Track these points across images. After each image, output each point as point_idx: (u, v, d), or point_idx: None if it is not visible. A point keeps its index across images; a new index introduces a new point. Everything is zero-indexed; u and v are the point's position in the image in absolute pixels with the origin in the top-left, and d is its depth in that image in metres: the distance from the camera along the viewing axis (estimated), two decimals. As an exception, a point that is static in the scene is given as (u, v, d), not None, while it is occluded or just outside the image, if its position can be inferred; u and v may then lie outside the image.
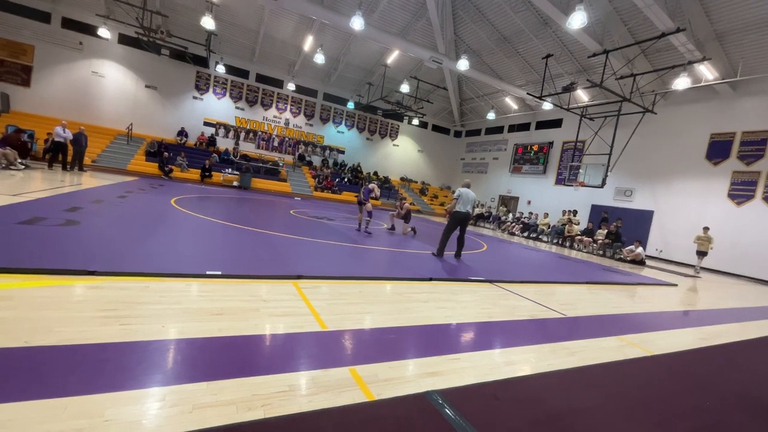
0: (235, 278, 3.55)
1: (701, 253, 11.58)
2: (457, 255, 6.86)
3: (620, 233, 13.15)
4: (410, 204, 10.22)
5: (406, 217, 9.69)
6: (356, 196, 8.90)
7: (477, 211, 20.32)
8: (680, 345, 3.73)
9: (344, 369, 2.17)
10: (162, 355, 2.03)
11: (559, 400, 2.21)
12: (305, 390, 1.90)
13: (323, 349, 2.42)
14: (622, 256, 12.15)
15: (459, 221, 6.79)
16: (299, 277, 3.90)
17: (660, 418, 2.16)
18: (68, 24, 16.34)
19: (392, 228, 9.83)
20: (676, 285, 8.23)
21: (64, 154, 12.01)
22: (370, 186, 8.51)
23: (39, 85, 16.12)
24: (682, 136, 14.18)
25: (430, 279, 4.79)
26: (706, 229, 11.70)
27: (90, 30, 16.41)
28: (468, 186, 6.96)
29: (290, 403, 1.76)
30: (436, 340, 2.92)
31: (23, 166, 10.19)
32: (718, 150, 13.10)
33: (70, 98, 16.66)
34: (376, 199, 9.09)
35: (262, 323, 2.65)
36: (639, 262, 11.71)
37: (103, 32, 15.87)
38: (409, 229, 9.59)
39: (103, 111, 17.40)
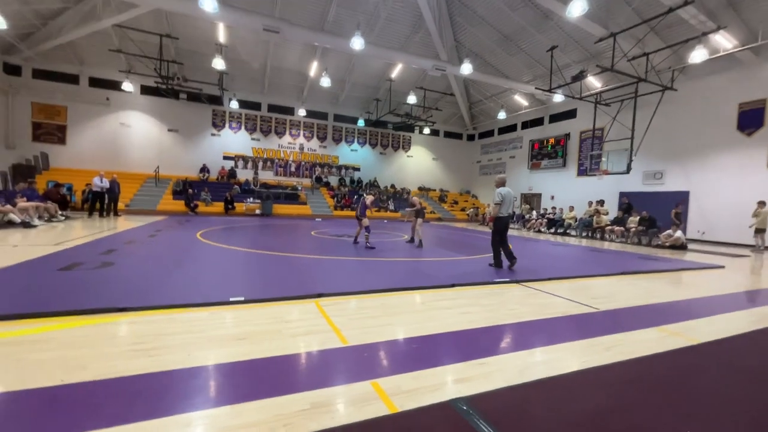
0: (257, 302, 3.62)
1: (760, 231, 10.68)
2: (511, 263, 6.10)
3: (681, 216, 12.24)
4: (417, 200, 9.22)
5: (419, 213, 8.79)
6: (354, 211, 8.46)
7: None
8: (729, 330, 3.45)
9: (366, 383, 2.14)
10: (188, 383, 2.08)
11: (595, 398, 2.08)
12: (327, 407, 1.89)
13: (345, 365, 2.41)
14: (660, 243, 11.49)
15: (505, 226, 6.20)
16: (320, 296, 3.93)
17: (707, 410, 1.99)
18: (95, 83, 17.73)
19: (412, 240, 9.13)
20: (723, 267, 7.68)
21: (102, 202, 12.97)
22: (367, 202, 8.19)
23: (73, 141, 17.44)
24: (708, 109, 13.47)
25: (453, 285, 4.70)
26: (762, 203, 10.70)
27: (115, 85, 17.71)
28: (505, 183, 6.25)
29: (312, 421, 1.75)
30: (461, 346, 2.84)
31: (63, 217, 10.94)
32: (749, 119, 12.33)
33: (102, 150, 17.90)
34: (378, 209, 8.75)
35: (284, 344, 2.67)
36: (680, 246, 11.02)
37: (127, 86, 17.11)
38: (420, 232, 8.70)
39: (132, 158, 18.55)
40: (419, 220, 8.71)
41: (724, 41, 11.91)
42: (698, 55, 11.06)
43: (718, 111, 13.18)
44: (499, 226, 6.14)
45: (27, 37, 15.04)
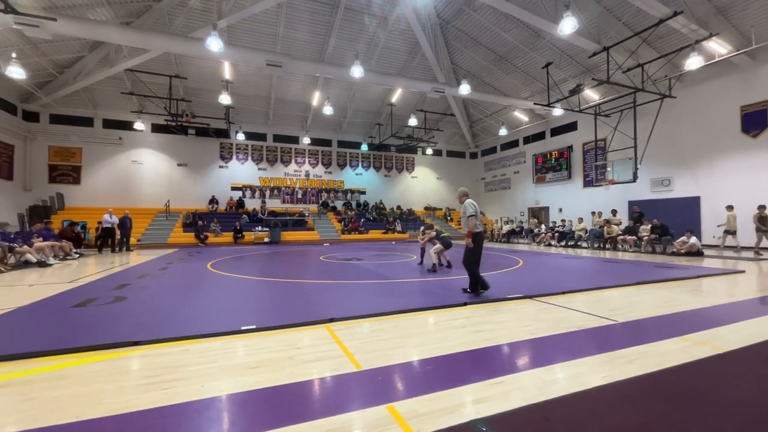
0: (269, 330, 3.60)
1: (731, 233, 11.48)
2: (484, 285, 5.27)
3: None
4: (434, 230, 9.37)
5: (442, 241, 8.25)
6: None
7: (507, 227, 19.76)
8: (758, 336, 3.32)
9: (381, 407, 2.09)
10: (201, 415, 2.05)
11: (620, 414, 2.00)
12: (343, 434, 1.84)
13: (359, 390, 2.36)
14: (674, 250, 11.24)
15: (481, 243, 5.35)
16: (331, 320, 3.89)
17: (741, 420, 1.89)
18: (108, 124, 18.48)
19: (444, 264, 8.16)
20: (743, 271, 7.46)
21: (113, 238, 13.33)
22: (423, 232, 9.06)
23: (87, 180, 18.00)
24: (710, 114, 13.48)
25: (465, 304, 4.63)
26: (730, 207, 11.73)
27: (127, 125, 18.42)
28: (468, 195, 5.48)
29: (328, 450, 1.71)
30: (477, 365, 2.77)
31: (78, 255, 11.14)
32: (753, 121, 12.29)
33: (115, 187, 18.42)
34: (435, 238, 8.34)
35: (297, 371, 2.63)
36: (696, 253, 10.76)
37: (138, 125, 17.81)
38: (434, 256, 8.07)
39: (144, 193, 19.02)
40: (437, 246, 7.98)
41: (719, 47, 12.06)
42: (693, 63, 11.20)
43: (720, 115, 13.17)
44: (479, 242, 5.22)
45: (45, 85, 15.87)
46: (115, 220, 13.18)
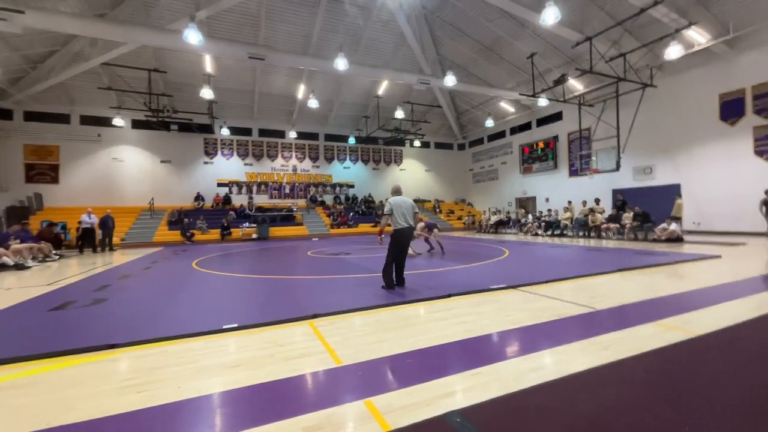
0: (251, 328, 3.57)
1: (677, 219, 11.95)
2: (400, 282, 5.35)
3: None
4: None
5: (431, 228, 9.87)
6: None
7: (495, 218, 19.91)
8: (728, 319, 3.43)
9: (359, 402, 2.10)
10: (177, 417, 2.03)
11: (595, 400, 2.05)
12: (319, 430, 1.84)
13: (338, 385, 2.37)
14: (656, 237, 11.51)
15: (403, 239, 5.23)
16: (314, 316, 3.88)
17: (710, 403, 1.96)
18: (86, 120, 17.91)
19: (419, 253, 9.38)
20: (719, 256, 7.68)
21: (92, 237, 13.06)
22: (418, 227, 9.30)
23: (66, 179, 17.48)
24: (689, 103, 13.73)
25: (449, 295, 4.66)
26: (678, 195, 12.61)
27: (106, 122, 17.84)
28: (399, 192, 5.37)
29: (303, 447, 1.71)
30: (456, 357, 2.81)
31: (57, 257, 10.85)
32: (731, 109, 12.57)
33: (96, 186, 17.93)
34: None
35: (277, 369, 2.62)
36: (676, 239, 11.04)
37: (118, 121, 17.27)
38: (432, 241, 9.86)
39: (126, 192, 18.58)
40: (435, 231, 9.81)
41: (698, 36, 12.25)
42: (673, 52, 11.35)
43: (700, 103, 13.43)
44: (397, 239, 5.17)
45: (17, 82, 15.26)
46: (95, 219, 12.89)
